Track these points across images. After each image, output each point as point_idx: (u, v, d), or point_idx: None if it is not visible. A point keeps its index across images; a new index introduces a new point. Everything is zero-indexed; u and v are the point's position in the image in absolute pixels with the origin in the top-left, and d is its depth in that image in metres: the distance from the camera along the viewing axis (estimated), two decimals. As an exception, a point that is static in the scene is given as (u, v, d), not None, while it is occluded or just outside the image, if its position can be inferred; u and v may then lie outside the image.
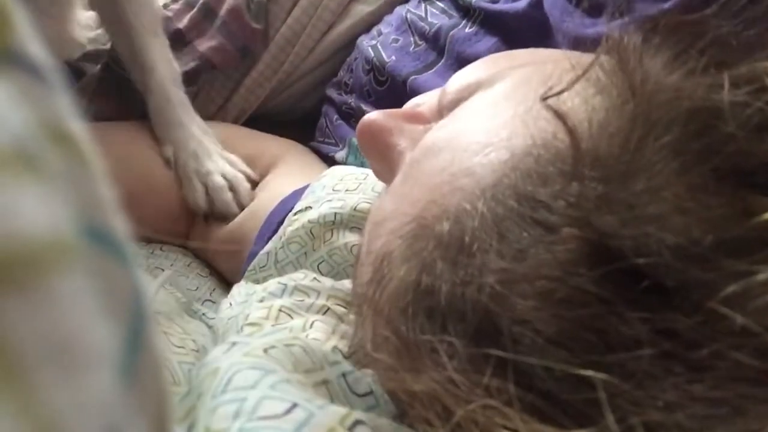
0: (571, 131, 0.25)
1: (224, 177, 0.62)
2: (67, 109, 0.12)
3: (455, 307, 0.25)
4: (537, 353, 0.22)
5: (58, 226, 0.11)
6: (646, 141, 0.24)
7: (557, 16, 0.52)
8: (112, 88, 0.70)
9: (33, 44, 0.12)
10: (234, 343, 0.27)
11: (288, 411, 0.23)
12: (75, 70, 0.72)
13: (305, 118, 0.78)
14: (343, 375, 0.28)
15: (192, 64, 0.71)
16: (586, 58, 0.30)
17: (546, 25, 0.54)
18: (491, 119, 0.30)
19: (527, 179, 0.25)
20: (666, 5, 0.45)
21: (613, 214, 0.22)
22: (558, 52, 0.34)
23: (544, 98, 0.28)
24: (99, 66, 0.71)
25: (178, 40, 0.71)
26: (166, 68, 0.64)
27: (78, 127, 0.12)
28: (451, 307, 0.25)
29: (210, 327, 0.44)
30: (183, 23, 0.73)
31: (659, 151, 0.23)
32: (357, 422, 0.23)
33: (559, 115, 0.26)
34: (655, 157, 0.23)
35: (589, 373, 0.21)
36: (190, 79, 0.70)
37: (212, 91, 0.75)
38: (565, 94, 0.28)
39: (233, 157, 0.64)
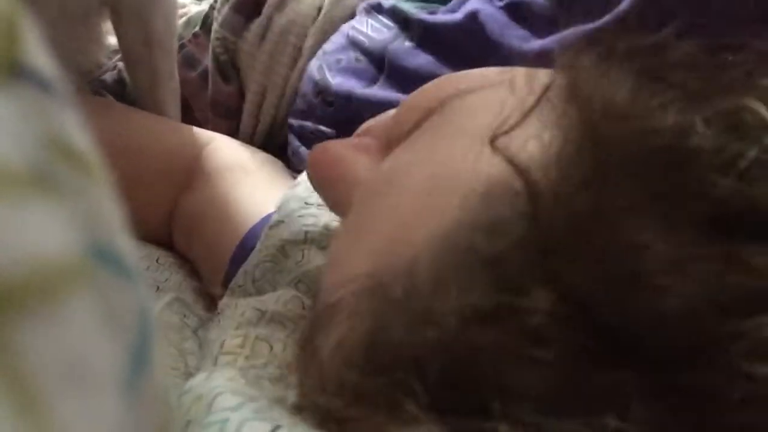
0: (523, 174, 0.22)
1: None
2: (75, 123, 0.12)
3: (419, 371, 0.22)
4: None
5: (69, 247, 0.11)
6: (614, 186, 0.21)
7: (496, 30, 0.54)
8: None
9: (41, 57, 0.12)
10: (213, 371, 0.27)
11: None
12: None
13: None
14: None
15: None
16: (539, 75, 0.28)
17: (485, 38, 0.55)
18: (439, 157, 0.27)
19: (482, 230, 0.22)
20: (598, 23, 0.47)
21: (585, 271, 0.20)
22: (508, 71, 0.31)
23: (493, 139, 0.24)
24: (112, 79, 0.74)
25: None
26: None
27: (86, 141, 0.12)
28: (413, 371, 0.22)
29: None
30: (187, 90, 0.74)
31: (631, 197, 0.21)
32: None
33: (509, 159, 0.23)
34: (626, 205, 0.20)
35: None
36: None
37: None
38: (516, 129, 0.25)
39: None
